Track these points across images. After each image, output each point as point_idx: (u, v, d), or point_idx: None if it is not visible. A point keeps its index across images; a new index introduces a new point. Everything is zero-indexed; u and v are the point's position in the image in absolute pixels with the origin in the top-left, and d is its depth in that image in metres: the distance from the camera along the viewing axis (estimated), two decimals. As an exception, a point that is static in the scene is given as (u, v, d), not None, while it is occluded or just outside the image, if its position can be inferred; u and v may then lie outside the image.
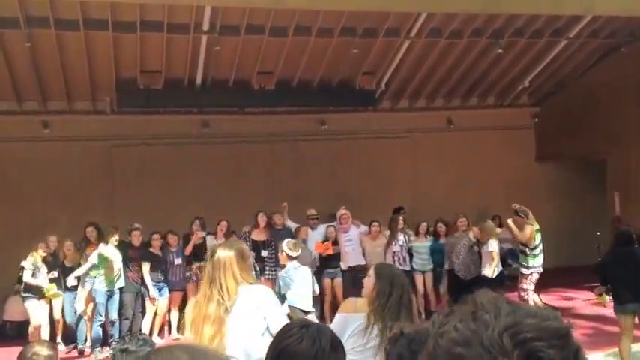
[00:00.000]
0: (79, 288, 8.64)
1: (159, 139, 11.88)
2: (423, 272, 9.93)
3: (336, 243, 9.63)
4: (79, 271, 8.53)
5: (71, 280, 8.47)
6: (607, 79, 12.47)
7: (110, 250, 8.54)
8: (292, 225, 9.83)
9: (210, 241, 9.38)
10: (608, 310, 9.72)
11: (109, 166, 11.79)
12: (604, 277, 6.99)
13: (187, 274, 9.29)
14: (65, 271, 8.70)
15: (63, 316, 9.01)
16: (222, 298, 3.13)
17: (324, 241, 9.48)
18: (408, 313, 3.18)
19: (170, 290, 9.20)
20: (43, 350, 2.96)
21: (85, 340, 8.78)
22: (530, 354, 0.72)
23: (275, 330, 2.54)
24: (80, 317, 8.84)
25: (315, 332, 1.94)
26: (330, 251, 9.40)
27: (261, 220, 9.44)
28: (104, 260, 8.47)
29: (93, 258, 8.47)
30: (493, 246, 8.83)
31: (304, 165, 12.56)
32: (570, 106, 13.23)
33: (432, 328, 0.79)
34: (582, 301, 10.49)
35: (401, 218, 10.01)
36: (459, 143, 13.27)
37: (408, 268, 9.83)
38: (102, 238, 8.60)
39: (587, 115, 12.74)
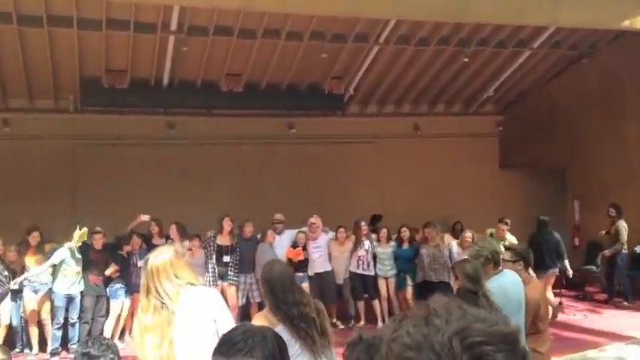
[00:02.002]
0: (27, 291, 8.37)
1: (123, 139, 11.67)
2: (386, 278, 9.96)
3: (305, 248, 9.62)
4: (38, 269, 8.32)
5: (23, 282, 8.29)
6: (569, 89, 12.79)
7: (71, 251, 8.40)
8: (291, 233, 9.72)
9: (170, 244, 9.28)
10: (566, 316, 10.00)
11: (71, 166, 11.53)
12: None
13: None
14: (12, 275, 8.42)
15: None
16: (164, 304, 3.08)
17: (294, 247, 9.45)
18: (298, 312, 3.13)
19: (132, 292, 9.06)
20: None
21: (28, 346, 8.53)
22: (479, 358, 0.74)
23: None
24: (25, 321, 8.56)
25: (260, 340, 1.88)
26: (301, 257, 9.37)
27: (227, 224, 9.34)
28: (62, 261, 8.33)
29: (60, 255, 8.29)
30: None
31: (271, 168, 12.52)
32: (533, 115, 13.53)
33: (385, 333, 0.80)
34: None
35: (363, 223, 10.01)
36: (426, 149, 13.42)
37: (372, 273, 9.89)
38: (42, 244, 8.51)
39: (549, 124, 13.04)
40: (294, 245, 9.49)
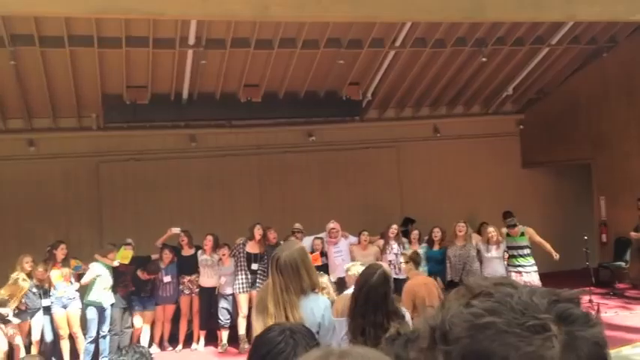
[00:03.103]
0: (56, 307, 8.50)
1: (146, 154, 11.83)
2: None
3: (322, 255, 9.61)
4: (85, 279, 8.47)
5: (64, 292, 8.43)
6: (589, 84, 12.64)
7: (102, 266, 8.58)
8: (309, 239, 9.73)
9: (200, 255, 9.36)
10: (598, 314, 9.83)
11: (96, 182, 11.71)
12: None
13: (180, 287, 9.31)
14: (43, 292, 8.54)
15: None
16: (288, 306, 3.04)
17: (311, 253, 9.47)
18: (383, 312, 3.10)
19: (158, 304, 9.20)
20: None
21: None
22: (564, 312, 0.72)
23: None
24: (56, 336, 8.67)
25: (300, 339, 1.87)
26: (319, 262, 9.37)
27: (258, 232, 9.40)
28: (97, 275, 8.51)
29: (96, 270, 8.47)
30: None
31: (292, 177, 12.56)
32: (554, 112, 13.39)
33: (435, 319, 0.76)
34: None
35: (394, 226, 9.99)
36: (446, 152, 13.35)
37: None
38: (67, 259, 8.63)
39: (570, 121, 12.90)
40: (311, 251, 9.48)
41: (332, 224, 9.73)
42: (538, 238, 9.32)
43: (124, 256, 8.65)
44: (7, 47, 8.99)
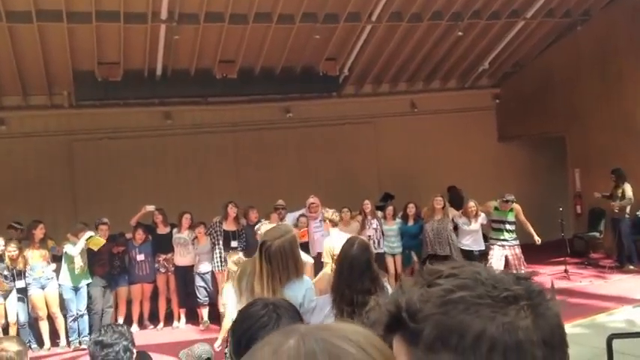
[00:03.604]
0: (34, 288, 8.37)
1: (120, 132, 11.62)
2: (393, 255, 10.03)
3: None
4: (75, 250, 8.38)
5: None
6: (564, 57, 12.74)
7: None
8: (292, 215, 9.68)
9: (175, 234, 9.28)
10: (574, 284, 10.04)
11: (69, 160, 11.48)
12: None
13: (155, 265, 9.26)
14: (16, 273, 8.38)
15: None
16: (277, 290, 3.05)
17: (296, 228, 9.43)
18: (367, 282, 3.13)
19: (134, 282, 9.18)
20: (12, 346, 2.88)
21: (38, 342, 8.54)
22: (529, 286, 0.74)
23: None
24: (34, 318, 8.57)
25: (284, 313, 1.87)
26: (305, 239, 9.35)
27: (231, 211, 9.36)
28: (68, 256, 8.37)
29: (71, 249, 8.37)
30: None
31: (269, 154, 12.48)
32: (529, 86, 13.49)
33: (403, 296, 0.74)
34: (548, 275, 10.74)
35: (367, 202, 10.03)
36: (423, 127, 13.39)
37: (381, 250, 9.94)
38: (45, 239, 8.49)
39: (546, 94, 13.01)
40: (295, 226, 9.47)
41: (312, 199, 9.71)
42: (523, 217, 9.43)
43: (95, 243, 8.52)
44: (-29, 23, 8.71)
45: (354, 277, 3.09)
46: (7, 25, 8.99)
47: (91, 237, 8.48)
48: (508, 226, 9.38)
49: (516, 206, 9.45)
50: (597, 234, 11.74)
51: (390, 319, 0.73)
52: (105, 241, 8.64)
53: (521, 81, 13.86)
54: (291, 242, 3.17)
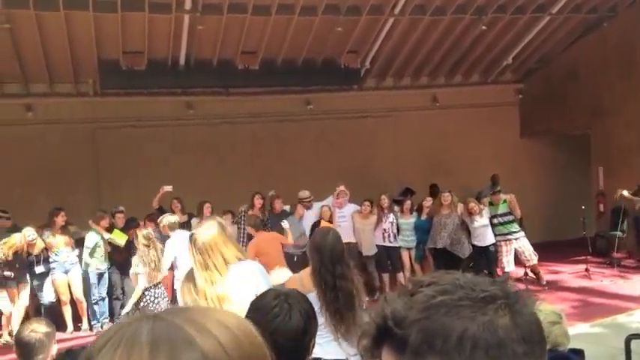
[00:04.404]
0: (58, 272, 8.51)
1: (142, 120, 11.76)
2: (409, 249, 10.06)
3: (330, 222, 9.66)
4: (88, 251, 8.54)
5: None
6: (589, 54, 12.55)
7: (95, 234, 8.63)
8: (316, 206, 9.75)
9: (195, 223, 9.35)
10: (594, 283, 9.93)
11: (92, 148, 11.66)
12: None
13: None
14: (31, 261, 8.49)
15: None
16: (214, 281, 3.10)
17: (319, 220, 9.44)
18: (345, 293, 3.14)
19: None
20: (41, 327, 2.94)
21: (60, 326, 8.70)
22: (505, 287, 0.77)
23: None
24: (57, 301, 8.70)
25: (294, 303, 1.89)
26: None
27: (257, 201, 9.43)
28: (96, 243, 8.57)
29: (93, 239, 8.51)
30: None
31: (288, 145, 12.52)
32: (553, 82, 13.32)
33: (388, 307, 0.76)
34: (568, 274, 10.65)
35: (383, 196, 10.03)
36: (444, 121, 13.30)
37: (397, 244, 9.96)
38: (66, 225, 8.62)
39: (570, 91, 12.83)
40: (320, 219, 9.48)
41: (342, 187, 9.83)
42: (514, 205, 9.46)
43: (119, 236, 8.67)
44: (0, 9, 8.85)
45: (335, 265, 3.15)
46: (34, 13, 9.13)
47: (111, 236, 8.61)
48: (504, 218, 9.45)
49: (510, 196, 9.49)
50: (620, 233, 11.56)
51: (377, 331, 0.76)
52: (127, 237, 8.74)
53: (545, 77, 13.69)
54: (215, 234, 3.19)
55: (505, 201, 9.46)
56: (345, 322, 3.07)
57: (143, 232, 7.24)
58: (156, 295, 6.96)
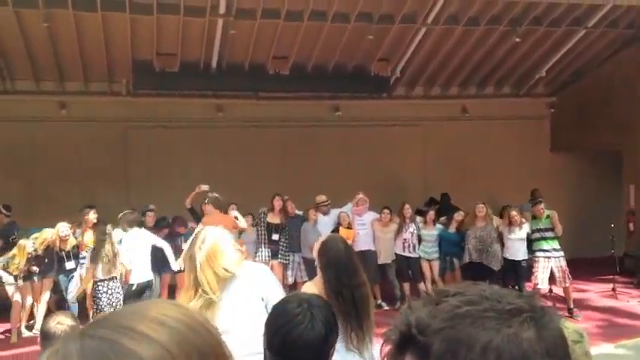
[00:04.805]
0: (84, 269, 8.67)
1: (173, 121, 11.94)
2: (429, 260, 9.94)
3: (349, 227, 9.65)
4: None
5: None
6: (625, 69, 12.33)
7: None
8: (334, 212, 9.78)
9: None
10: (620, 303, 9.73)
11: (124, 147, 11.88)
12: None
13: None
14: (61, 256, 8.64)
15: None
16: (207, 293, 3.01)
17: (337, 227, 9.45)
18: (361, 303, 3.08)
19: (181, 271, 9.28)
20: (67, 320, 3.00)
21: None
22: (531, 301, 0.77)
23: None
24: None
25: (317, 312, 1.86)
26: (351, 241, 9.36)
27: (277, 203, 9.49)
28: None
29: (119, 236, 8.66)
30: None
31: (316, 151, 12.56)
32: (587, 97, 13.10)
33: (413, 314, 0.76)
34: (594, 293, 10.45)
35: (407, 206, 9.98)
36: (473, 133, 13.19)
37: (416, 255, 9.88)
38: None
39: (603, 106, 12.61)
40: (338, 225, 9.50)
41: (361, 195, 9.83)
42: (556, 221, 9.12)
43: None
44: (40, 9, 9.08)
45: (351, 277, 3.09)
46: (72, 13, 9.34)
47: None
48: (547, 234, 9.04)
49: (554, 213, 9.17)
50: (650, 253, 11.32)
51: (400, 338, 0.76)
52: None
53: (578, 91, 13.47)
54: (211, 248, 3.08)
55: (548, 216, 9.08)
56: (357, 332, 3.05)
57: (100, 228, 7.66)
58: (109, 287, 7.30)
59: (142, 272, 7.87)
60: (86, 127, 11.57)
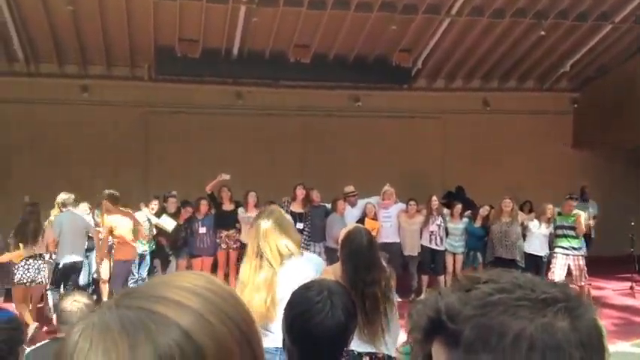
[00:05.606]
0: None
1: (194, 107, 11.99)
2: (454, 254, 9.88)
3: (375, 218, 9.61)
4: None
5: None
6: (652, 66, 12.11)
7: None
8: (361, 203, 9.75)
9: (241, 212, 9.48)
10: (638, 301, 9.62)
11: (144, 131, 11.97)
12: None
13: (217, 240, 9.45)
14: None
15: None
16: (270, 265, 3.12)
17: (364, 218, 9.38)
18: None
19: (197, 256, 9.39)
20: (83, 298, 3.09)
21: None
22: (565, 290, 0.75)
23: None
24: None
25: (337, 300, 1.88)
26: (375, 233, 9.32)
27: (300, 192, 9.48)
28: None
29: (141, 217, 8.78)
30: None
31: (335, 140, 12.54)
32: (611, 93, 12.90)
33: (442, 301, 0.75)
34: (612, 291, 10.35)
35: (434, 198, 9.92)
36: (494, 126, 13.07)
37: (443, 248, 9.82)
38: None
39: (628, 103, 12.40)
40: (364, 216, 9.44)
41: (387, 187, 9.77)
42: (580, 222, 9.01)
43: (167, 222, 8.87)
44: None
45: (370, 271, 3.12)
46: (97, -4, 9.41)
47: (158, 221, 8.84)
48: (568, 232, 8.92)
49: (580, 213, 9.06)
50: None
51: (429, 324, 0.74)
52: (176, 223, 8.94)
53: (603, 87, 13.27)
54: (277, 219, 3.21)
55: (574, 215, 8.94)
56: (369, 324, 3.08)
57: (28, 207, 7.76)
58: (31, 265, 7.35)
59: (67, 253, 7.78)
60: (107, 110, 11.67)
